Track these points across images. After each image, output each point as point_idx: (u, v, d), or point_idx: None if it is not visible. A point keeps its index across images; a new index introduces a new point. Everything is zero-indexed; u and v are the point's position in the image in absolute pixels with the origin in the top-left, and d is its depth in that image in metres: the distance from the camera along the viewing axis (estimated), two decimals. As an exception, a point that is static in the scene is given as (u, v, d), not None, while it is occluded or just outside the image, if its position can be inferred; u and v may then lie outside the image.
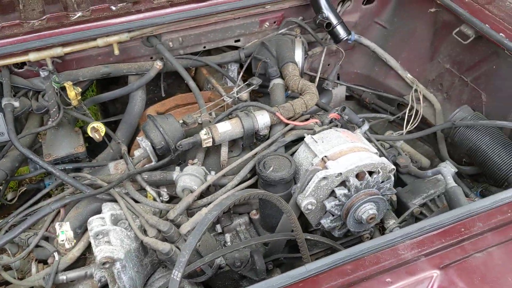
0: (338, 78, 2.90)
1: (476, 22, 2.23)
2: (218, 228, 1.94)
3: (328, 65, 2.84)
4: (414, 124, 2.55)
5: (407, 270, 1.32)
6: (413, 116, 2.56)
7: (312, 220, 1.82)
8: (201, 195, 1.82)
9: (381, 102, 2.89)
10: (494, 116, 2.30)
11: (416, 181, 2.14)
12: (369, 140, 2.02)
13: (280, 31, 2.51)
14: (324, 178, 1.71)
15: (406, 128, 2.53)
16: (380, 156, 1.89)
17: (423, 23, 2.63)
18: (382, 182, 1.81)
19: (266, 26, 2.53)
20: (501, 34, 2.14)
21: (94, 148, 2.39)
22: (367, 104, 2.93)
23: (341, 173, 1.72)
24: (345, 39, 2.50)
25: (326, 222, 1.81)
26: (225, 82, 2.70)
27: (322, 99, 2.64)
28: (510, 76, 2.23)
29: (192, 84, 2.28)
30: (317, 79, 2.67)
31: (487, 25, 2.20)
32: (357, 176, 1.76)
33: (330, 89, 2.74)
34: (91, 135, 2.00)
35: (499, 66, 2.27)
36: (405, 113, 2.59)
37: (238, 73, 2.60)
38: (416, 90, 2.65)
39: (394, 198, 2.05)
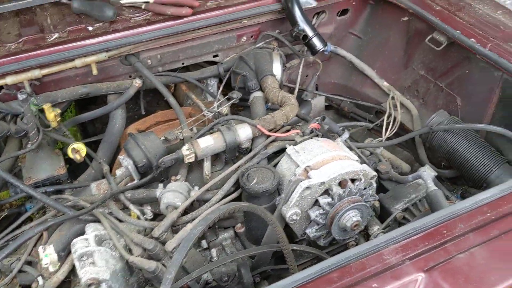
0: (317, 89, 2.94)
1: (448, 29, 2.28)
2: (204, 243, 1.93)
3: (306, 76, 2.87)
4: (393, 131, 2.58)
5: (393, 274, 1.33)
6: (391, 123, 2.59)
7: (298, 230, 1.83)
8: (186, 211, 1.81)
9: (360, 110, 2.93)
10: (470, 119, 2.34)
11: (397, 186, 2.17)
12: (350, 148, 2.04)
13: (257, 45, 2.53)
14: (308, 187, 1.72)
15: (385, 135, 2.56)
16: (361, 163, 1.91)
17: (396, 32, 2.68)
18: (365, 189, 1.83)
19: (244, 40, 2.55)
20: (472, 39, 2.19)
21: (74, 169, 2.37)
22: (346, 113, 2.97)
23: (324, 182, 1.74)
24: (321, 50, 2.52)
25: (311, 232, 1.82)
26: (205, 97, 2.71)
27: (302, 110, 2.66)
28: (482, 80, 2.28)
29: (172, 100, 2.29)
30: (296, 91, 2.68)
31: (458, 31, 2.25)
32: (340, 184, 1.78)
33: (309, 99, 2.77)
34: (72, 157, 1.99)
35: (472, 70, 2.32)
36: (383, 120, 2.62)
37: (218, 87, 2.62)
38: (393, 97, 2.69)
39: (377, 204, 2.07)
